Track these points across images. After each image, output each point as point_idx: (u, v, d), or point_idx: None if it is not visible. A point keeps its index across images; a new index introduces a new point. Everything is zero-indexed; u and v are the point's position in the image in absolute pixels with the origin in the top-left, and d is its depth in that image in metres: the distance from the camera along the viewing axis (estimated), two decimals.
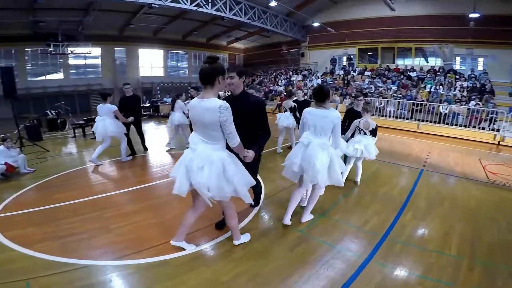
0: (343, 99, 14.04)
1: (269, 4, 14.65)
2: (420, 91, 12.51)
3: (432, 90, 12.30)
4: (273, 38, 21.60)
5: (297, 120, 6.05)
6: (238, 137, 2.18)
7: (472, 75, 12.69)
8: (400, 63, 16.46)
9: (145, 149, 6.85)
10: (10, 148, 5.24)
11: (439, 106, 10.80)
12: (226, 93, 5.77)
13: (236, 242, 2.71)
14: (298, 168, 2.84)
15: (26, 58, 16.58)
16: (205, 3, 12.97)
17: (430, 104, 11.02)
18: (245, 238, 2.79)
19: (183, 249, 2.66)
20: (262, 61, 23.83)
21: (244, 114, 2.54)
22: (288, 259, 2.56)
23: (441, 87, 12.32)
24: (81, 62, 18.35)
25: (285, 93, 15.96)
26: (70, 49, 16.21)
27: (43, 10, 13.12)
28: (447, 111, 10.48)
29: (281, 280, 2.27)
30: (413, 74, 14.30)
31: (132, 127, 6.36)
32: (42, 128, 9.70)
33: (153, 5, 11.64)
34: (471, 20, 12.49)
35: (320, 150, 2.77)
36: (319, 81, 17.18)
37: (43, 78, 17.27)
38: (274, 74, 21.15)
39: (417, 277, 2.34)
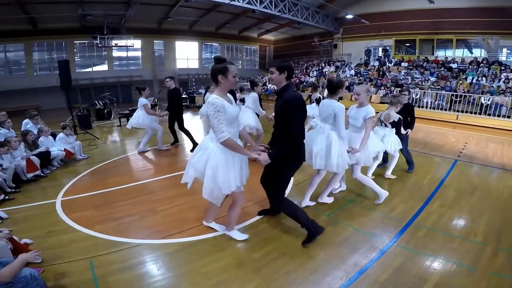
0: (377, 90, 13.63)
1: None
2: (460, 82, 11.78)
3: (474, 81, 11.53)
4: (304, 29, 21.24)
5: None
6: (223, 134, 2.19)
7: None
8: (441, 54, 15.57)
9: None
10: (69, 135, 5.82)
11: (480, 97, 10.16)
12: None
13: (226, 232, 2.85)
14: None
15: (75, 50, 17.78)
16: None
17: (470, 96, 10.41)
18: (239, 236, 2.80)
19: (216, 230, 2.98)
20: (292, 52, 23.58)
21: (276, 112, 2.51)
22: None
23: (483, 78, 11.51)
24: (123, 54, 19.43)
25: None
26: (114, 41, 17.10)
27: (90, 4, 14.10)
28: (489, 102, 9.84)
29: (308, 257, 2.52)
30: (453, 66, 13.46)
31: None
32: (91, 117, 10.54)
33: None
34: None
35: (320, 133, 3.12)
36: (352, 72, 16.76)
37: (89, 69, 18.55)
38: (305, 65, 20.92)
39: (438, 260, 2.46)
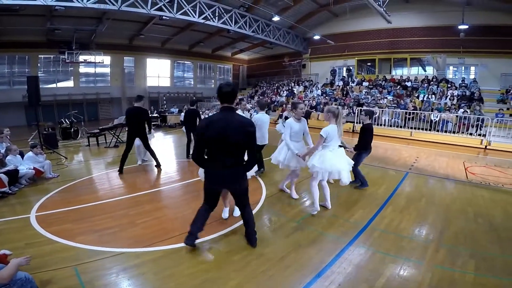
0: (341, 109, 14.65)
1: (272, 19, 15.52)
2: (413, 100, 13.18)
3: (425, 99, 12.95)
4: (276, 49, 22.33)
5: None
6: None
7: (463, 84, 13.37)
8: (399, 73, 17.16)
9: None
10: (38, 154, 5.73)
11: (430, 114, 11.44)
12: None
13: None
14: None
15: (38, 65, 16.87)
16: (212, 16, 13.80)
17: (421, 112, 11.68)
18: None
19: (199, 237, 3.15)
20: (265, 72, 24.57)
21: None
22: (285, 243, 3.18)
23: (433, 96, 12.96)
24: (91, 70, 18.81)
25: (287, 104, 16.69)
26: (82, 57, 16.63)
27: (60, 18, 13.58)
28: (437, 119, 11.11)
29: (281, 258, 2.88)
30: (408, 84, 14.97)
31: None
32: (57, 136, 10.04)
33: (163, 17, 12.46)
34: (461, 31, 13.26)
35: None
36: (319, 91, 17.88)
37: (53, 85, 17.64)
38: (276, 85, 21.82)
39: (390, 257, 2.91)
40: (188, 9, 12.93)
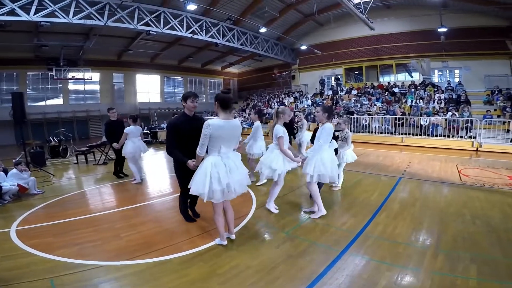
0: (332, 118, 14.71)
1: (260, 31, 15.77)
2: (402, 105, 13.34)
3: (413, 104, 13.12)
4: (266, 62, 22.66)
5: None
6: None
7: (449, 87, 13.64)
8: (385, 79, 17.45)
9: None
10: (23, 171, 5.74)
11: (419, 119, 11.55)
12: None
13: (233, 236, 3.30)
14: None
15: (27, 82, 16.69)
16: (199, 30, 13.96)
17: (411, 118, 11.79)
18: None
19: (183, 249, 3.15)
20: (256, 84, 24.77)
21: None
22: (274, 254, 3.02)
23: (421, 100, 13.15)
24: (80, 87, 18.64)
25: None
26: (70, 74, 16.52)
27: (47, 34, 13.58)
28: (427, 123, 11.22)
29: (268, 270, 2.71)
30: (396, 90, 15.20)
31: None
32: (45, 155, 9.94)
33: (150, 32, 12.56)
34: (442, 34, 13.63)
35: None
36: (309, 102, 18.03)
37: (43, 103, 17.44)
38: (267, 97, 21.98)
39: (386, 265, 2.76)
40: (175, 24, 13.06)
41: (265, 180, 5.50)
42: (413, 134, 11.46)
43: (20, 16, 9.49)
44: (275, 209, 4.21)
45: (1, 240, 3.54)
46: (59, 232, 3.76)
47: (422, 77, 15.39)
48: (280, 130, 3.82)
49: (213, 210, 3.05)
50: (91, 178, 7.20)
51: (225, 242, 3.14)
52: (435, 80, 15.63)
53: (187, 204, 4.00)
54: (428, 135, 11.09)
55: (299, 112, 7.80)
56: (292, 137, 6.87)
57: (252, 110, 20.46)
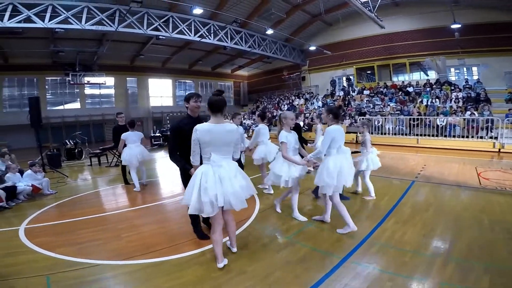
0: (343, 120, 14.42)
1: (266, 32, 15.72)
2: (417, 105, 12.86)
3: (429, 103, 12.62)
4: (275, 63, 22.54)
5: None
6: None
7: (467, 85, 13.00)
8: (400, 79, 16.92)
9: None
10: (37, 172, 5.98)
11: (436, 119, 11.08)
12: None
13: (235, 249, 3.04)
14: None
15: (46, 87, 17.47)
16: (207, 34, 14.09)
17: (427, 118, 11.32)
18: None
19: (181, 251, 3.11)
20: (265, 87, 24.69)
21: None
22: (273, 259, 2.91)
23: (437, 100, 12.63)
24: (96, 92, 19.30)
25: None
26: (86, 79, 17.07)
27: (62, 40, 14.17)
28: (444, 123, 10.74)
29: (263, 276, 2.61)
30: (410, 89, 14.70)
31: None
32: (62, 156, 10.32)
33: (160, 37, 12.82)
34: (456, 31, 13.07)
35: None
36: (320, 103, 17.75)
37: (61, 107, 18.20)
38: (277, 99, 21.82)
39: (389, 274, 2.58)
40: (183, 28, 13.25)
41: (272, 191, 5.20)
42: (429, 135, 11.02)
43: (36, 23, 9.95)
44: (301, 216, 3.94)
45: (10, 238, 3.72)
46: (64, 231, 3.89)
47: (438, 75, 14.81)
48: (282, 135, 3.65)
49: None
50: (102, 179, 7.40)
51: (221, 265, 2.73)
52: (452, 78, 15.00)
53: (197, 217, 3.40)
54: (445, 136, 10.62)
55: (316, 117, 7.47)
56: (303, 142, 6.60)
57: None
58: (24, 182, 5.65)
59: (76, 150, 11.06)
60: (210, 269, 2.75)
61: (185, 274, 2.70)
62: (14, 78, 16.44)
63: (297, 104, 19.13)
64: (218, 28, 14.53)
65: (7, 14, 9.39)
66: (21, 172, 5.96)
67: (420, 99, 13.46)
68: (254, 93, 26.09)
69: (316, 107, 17.37)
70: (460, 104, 11.81)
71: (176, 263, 2.91)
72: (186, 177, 2.94)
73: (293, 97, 20.54)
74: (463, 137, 10.22)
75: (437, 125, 10.92)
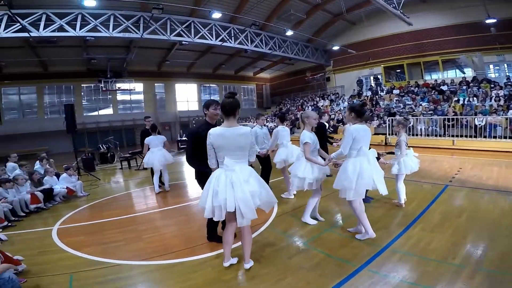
0: (371, 121, 13.87)
1: (286, 33, 15.61)
2: (453, 104, 11.99)
3: (466, 102, 11.71)
4: (298, 65, 22.30)
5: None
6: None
7: (508, 83, 11.91)
8: (432, 77, 15.99)
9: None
10: (71, 175, 6.44)
11: (474, 119, 10.23)
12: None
13: (248, 266, 2.75)
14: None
15: (82, 93, 18.69)
16: (228, 38, 14.34)
17: (463, 118, 10.50)
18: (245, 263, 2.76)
19: (197, 254, 3.15)
20: (288, 89, 24.53)
21: None
22: (285, 265, 2.84)
23: (475, 98, 11.69)
24: (127, 97, 20.37)
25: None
26: (117, 85, 18.06)
27: (94, 48, 15.17)
28: (483, 123, 9.88)
29: (274, 281, 2.56)
30: (444, 88, 13.78)
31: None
32: (95, 160, 11.02)
33: (183, 42, 13.30)
34: (491, 26, 12.07)
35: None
36: (345, 104, 17.24)
37: (96, 113, 19.36)
38: (301, 101, 21.54)
39: (408, 284, 2.40)
40: (205, 33, 13.61)
41: (292, 196, 5.09)
42: (466, 136, 10.18)
43: (68, 32, 10.76)
44: (312, 219, 3.86)
45: (43, 237, 3.98)
46: (92, 231, 4.14)
47: (475, 72, 13.74)
48: (306, 136, 3.53)
49: None
50: (131, 182, 7.80)
51: (227, 264, 2.76)
52: (492, 75, 13.85)
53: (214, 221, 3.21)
54: (484, 137, 9.75)
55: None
56: (327, 142, 6.38)
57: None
58: (60, 184, 6.08)
59: (109, 154, 11.76)
60: (222, 273, 2.75)
61: (197, 276, 2.74)
62: (53, 85, 17.81)
63: (322, 106, 18.73)
64: (238, 32, 14.74)
65: (42, 24, 10.27)
66: (58, 175, 6.40)
67: (455, 98, 12.53)
68: (277, 95, 26.01)
69: (341, 108, 16.89)
70: (502, 102, 10.81)
71: (190, 265, 2.96)
72: (201, 180, 3.01)
73: (318, 99, 20.15)
74: (505, 138, 9.32)
75: (475, 125, 10.06)
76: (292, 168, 3.77)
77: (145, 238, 3.75)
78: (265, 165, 5.39)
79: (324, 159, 3.75)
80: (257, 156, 6.18)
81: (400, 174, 4.27)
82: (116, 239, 3.76)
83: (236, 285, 2.54)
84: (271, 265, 2.83)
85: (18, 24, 9.78)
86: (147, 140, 6.00)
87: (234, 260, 2.83)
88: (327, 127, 7.00)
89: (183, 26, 13.05)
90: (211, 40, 13.89)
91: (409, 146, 4.38)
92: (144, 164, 6.27)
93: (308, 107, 19.61)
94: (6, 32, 9.82)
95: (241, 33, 14.84)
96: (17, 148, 13.00)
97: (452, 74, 15.43)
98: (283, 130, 5.40)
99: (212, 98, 24.30)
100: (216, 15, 12.75)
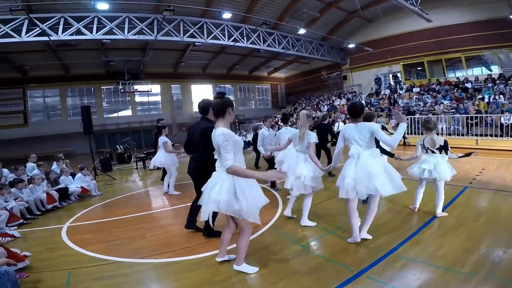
0: (389, 120, 13.37)
1: (298, 32, 15.40)
2: (477, 102, 11.30)
3: (491, 100, 11.00)
4: (313, 64, 21.95)
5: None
6: (227, 162, 2.28)
7: None
8: (456, 74, 15.21)
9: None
10: (86, 175, 6.66)
11: (499, 117, 9.58)
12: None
13: (236, 267, 2.67)
14: (354, 183, 2.94)
15: (102, 95, 19.28)
16: (240, 38, 14.33)
17: (488, 116, 9.86)
18: (248, 269, 2.66)
19: (195, 253, 3.17)
20: (304, 88, 24.20)
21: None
22: (281, 268, 2.76)
23: (501, 96, 10.95)
24: (144, 99, 20.82)
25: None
26: (134, 87, 18.49)
27: (111, 50, 15.60)
28: (510, 122, 9.24)
29: (267, 284, 2.50)
30: (468, 85, 13.02)
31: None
32: (113, 161, 11.35)
33: (196, 43, 13.45)
34: None
35: (373, 160, 2.93)
36: (363, 103, 16.74)
37: (115, 114, 19.93)
38: (316, 100, 21.20)
39: None
40: (217, 33, 13.68)
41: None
42: (491, 135, 9.55)
43: (86, 35, 11.14)
44: (311, 222, 3.78)
45: (53, 234, 4.12)
46: (99, 229, 4.24)
47: (501, 69, 12.96)
48: (313, 136, 3.54)
49: None
50: (144, 182, 8.01)
51: (219, 259, 2.84)
52: None
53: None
54: (511, 136, 9.11)
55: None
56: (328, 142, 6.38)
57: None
58: (74, 184, 6.28)
59: (126, 155, 12.08)
60: (215, 273, 2.74)
61: (191, 275, 2.74)
62: (75, 88, 18.57)
63: (338, 105, 18.31)
64: (250, 31, 14.69)
65: (60, 28, 10.70)
66: (73, 175, 6.61)
67: (480, 96, 11.81)
68: (292, 95, 25.75)
69: None
70: None
71: (187, 264, 2.98)
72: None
73: (334, 98, 19.74)
74: None
75: (501, 124, 9.41)
76: (299, 171, 3.59)
77: (148, 236, 3.81)
78: (271, 166, 5.45)
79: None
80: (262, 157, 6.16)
81: (438, 181, 3.83)
82: (120, 237, 3.84)
83: (228, 286, 2.50)
84: (266, 267, 2.77)
85: (38, 28, 10.23)
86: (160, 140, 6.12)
87: (226, 257, 2.86)
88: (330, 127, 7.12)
89: (196, 27, 13.19)
90: (224, 40, 13.95)
91: (440, 150, 3.81)
92: (150, 165, 6.43)
93: (324, 106, 19.27)
94: (28, 36, 10.30)
95: (253, 33, 14.79)
96: (41, 149, 13.65)
97: (478, 72, 14.58)
98: (285, 131, 5.23)
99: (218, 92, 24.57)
100: (227, 15, 12.78)
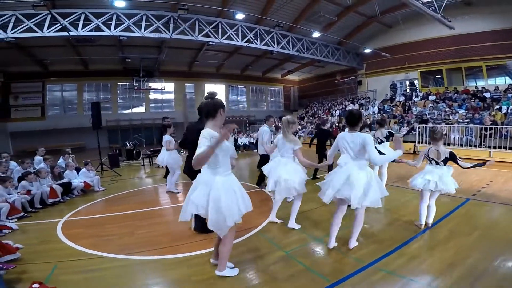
0: (400, 127, 13.06)
1: (313, 35, 15.26)
2: (494, 113, 10.83)
3: (509, 111, 10.52)
4: (328, 68, 21.67)
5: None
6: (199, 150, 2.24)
7: None
8: (478, 84, 14.60)
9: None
10: (90, 170, 6.77)
11: None
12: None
13: (218, 273, 2.63)
14: (335, 190, 2.94)
15: (118, 92, 19.74)
16: (253, 39, 14.34)
17: (504, 127, 9.43)
18: (230, 272, 2.68)
19: (179, 252, 3.22)
20: (317, 92, 23.96)
21: None
22: (260, 273, 2.78)
23: None
24: (158, 96, 21.21)
25: (336, 124, 15.75)
26: (149, 84, 18.84)
27: (128, 47, 15.95)
28: None
29: (243, 287, 2.54)
30: (487, 95, 12.52)
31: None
32: (122, 157, 11.50)
33: (210, 43, 13.58)
34: None
35: (357, 170, 2.90)
36: (375, 109, 16.43)
37: (129, 111, 20.38)
38: (329, 104, 20.93)
39: None
40: (231, 34, 13.74)
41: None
42: (505, 147, 9.14)
43: (104, 31, 11.46)
44: (297, 224, 3.87)
45: (50, 228, 4.17)
46: (93, 224, 4.31)
47: None
48: (299, 141, 3.68)
49: None
50: (149, 179, 8.09)
51: (213, 261, 2.87)
52: None
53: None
54: None
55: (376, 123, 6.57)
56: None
57: (311, 118, 19.86)
58: (78, 179, 6.35)
59: (135, 151, 12.23)
60: (194, 273, 2.79)
61: (169, 274, 2.80)
62: (92, 83, 19.14)
63: None
64: (263, 32, 14.67)
65: (80, 23, 11.04)
66: (78, 170, 6.67)
67: (497, 106, 11.32)
68: (305, 98, 25.54)
69: (371, 113, 16.13)
70: None
71: (169, 262, 3.03)
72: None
73: (347, 102, 19.45)
74: None
75: None
76: (288, 175, 3.62)
77: (137, 233, 3.86)
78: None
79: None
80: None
81: (435, 192, 3.69)
82: (111, 233, 3.90)
83: (204, 286, 2.56)
84: (246, 271, 2.80)
85: (59, 23, 10.62)
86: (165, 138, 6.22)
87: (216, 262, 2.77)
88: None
89: (211, 26, 13.29)
90: (237, 41, 13.99)
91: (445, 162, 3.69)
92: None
93: (336, 110, 19.04)
94: (49, 32, 10.70)
95: (267, 34, 14.76)
96: (55, 142, 14.17)
97: (500, 81, 13.95)
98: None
99: (239, 99, 24.75)
100: (240, 16, 12.84)
